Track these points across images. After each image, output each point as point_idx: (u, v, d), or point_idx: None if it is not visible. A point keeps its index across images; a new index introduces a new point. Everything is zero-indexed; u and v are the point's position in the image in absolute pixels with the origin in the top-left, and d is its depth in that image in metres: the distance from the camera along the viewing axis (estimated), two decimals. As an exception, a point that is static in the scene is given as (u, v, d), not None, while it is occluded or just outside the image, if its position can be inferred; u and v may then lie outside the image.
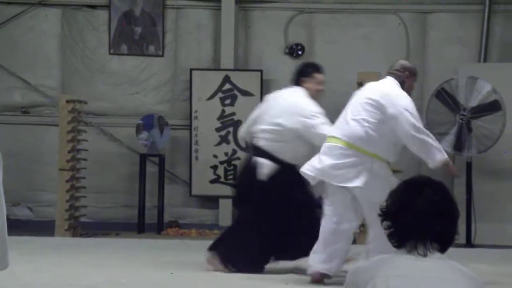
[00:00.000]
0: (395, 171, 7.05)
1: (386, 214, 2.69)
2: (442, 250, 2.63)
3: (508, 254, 8.79)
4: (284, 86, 11.09)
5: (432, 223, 2.60)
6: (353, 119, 6.44)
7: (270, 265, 7.02)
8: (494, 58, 10.89)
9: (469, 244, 9.51)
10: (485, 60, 10.84)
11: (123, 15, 11.21)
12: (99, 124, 11.21)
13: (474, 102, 9.62)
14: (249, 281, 6.73)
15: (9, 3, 11.29)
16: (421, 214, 2.60)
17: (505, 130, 9.53)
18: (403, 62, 6.84)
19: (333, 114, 10.94)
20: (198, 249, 8.72)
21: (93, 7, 11.31)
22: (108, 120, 11.24)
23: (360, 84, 9.84)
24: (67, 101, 10.27)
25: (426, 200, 2.62)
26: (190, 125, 11.01)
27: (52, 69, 11.30)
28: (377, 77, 9.89)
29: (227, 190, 10.95)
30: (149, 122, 10.84)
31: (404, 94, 6.48)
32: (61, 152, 10.14)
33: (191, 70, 11.04)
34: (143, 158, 10.77)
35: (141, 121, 10.86)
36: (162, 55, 11.29)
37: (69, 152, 10.13)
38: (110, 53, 11.28)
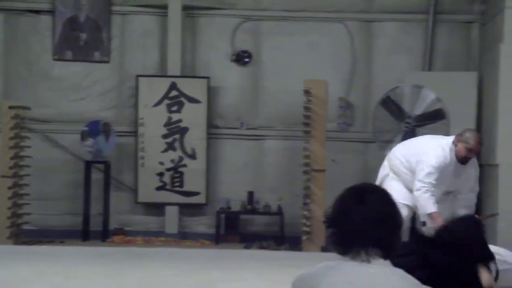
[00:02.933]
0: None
1: (330, 221, 2.69)
2: (385, 256, 2.64)
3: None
4: (231, 93, 11.16)
5: (374, 230, 2.61)
6: None
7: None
8: (438, 67, 11.05)
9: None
10: (429, 69, 10.99)
11: (67, 20, 11.07)
12: (43, 131, 11.05)
13: (418, 110, 9.71)
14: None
15: (-50, 7, 11.08)
16: (363, 221, 2.61)
17: (449, 138, 9.64)
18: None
19: (279, 121, 11.04)
20: (144, 257, 8.67)
21: (36, 12, 11.15)
22: (52, 127, 11.09)
23: (307, 92, 9.90)
24: (10, 107, 10.11)
25: (367, 208, 2.62)
26: (136, 132, 10.92)
27: (-5, 74, 11.11)
28: (324, 84, 9.98)
29: (173, 197, 10.90)
30: (94, 129, 10.72)
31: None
32: (3, 158, 9.97)
33: (137, 76, 10.96)
34: (88, 165, 10.65)
35: (86, 128, 10.74)
36: (108, 61, 11.18)
37: (11, 158, 9.97)
38: (54, 59, 11.14)
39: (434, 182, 6.94)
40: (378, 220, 2.61)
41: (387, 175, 7.39)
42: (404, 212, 7.12)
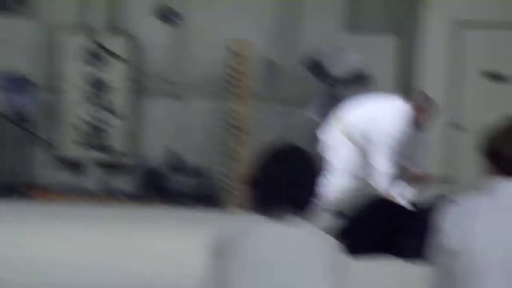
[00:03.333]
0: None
1: (250, 180, 2.70)
2: (303, 216, 2.67)
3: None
4: (156, 51, 11.02)
5: (294, 190, 2.64)
6: None
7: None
8: (361, 30, 11.10)
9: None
10: (352, 32, 11.04)
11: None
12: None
13: (341, 73, 9.79)
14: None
15: None
16: (283, 181, 2.63)
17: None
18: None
19: (204, 80, 10.98)
20: (65, 215, 8.59)
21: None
22: (-30, 81, 10.79)
23: (232, 52, 9.87)
24: None
25: (287, 168, 2.65)
26: (57, 88, 10.73)
27: None
28: (249, 45, 9.96)
29: (96, 155, 10.78)
30: (13, 84, 10.49)
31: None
32: None
33: (57, 30, 10.73)
34: (7, 120, 10.44)
35: (4, 83, 10.50)
36: (27, 14, 10.89)
37: None
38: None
39: (394, 156, 6.97)
40: (298, 180, 2.64)
41: (340, 140, 7.34)
42: (350, 183, 7.15)
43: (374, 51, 10.32)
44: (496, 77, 9.92)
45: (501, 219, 2.61)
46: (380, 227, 6.36)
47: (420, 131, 7.12)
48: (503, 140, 2.66)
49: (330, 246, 2.68)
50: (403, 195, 6.99)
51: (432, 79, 9.70)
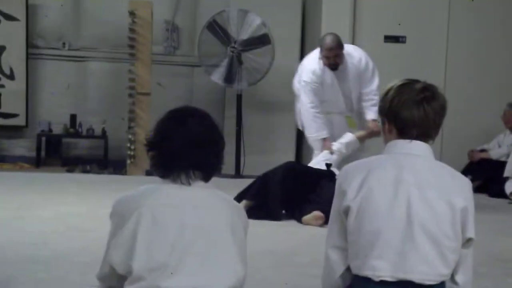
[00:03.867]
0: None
1: (151, 143, 2.68)
2: (206, 179, 2.66)
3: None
4: (52, 11, 10.67)
5: (195, 153, 2.61)
6: None
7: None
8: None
9: (238, 174, 9.74)
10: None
11: None
12: None
13: (244, 35, 9.75)
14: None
15: None
16: (183, 144, 2.61)
17: (273, 63, 9.78)
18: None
19: (103, 42, 10.73)
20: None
21: None
22: None
23: (132, 13, 9.66)
24: None
25: (189, 131, 2.63)
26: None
27: None
28: (149, 6, 9.77)
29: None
30: None
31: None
32: None
33: None
34: None
35: None
36: None
37: None
38: None
39: (314, 98, 6.96)
40: (199, 142, 2.63)
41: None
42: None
43: (280, 12, 10.30)
44: (395, 39, 10.08)
45: (394, 176, 2.63)
46: (286, 190, 6.37)
47: (340, 73, 7.09)
48: (398, 101, 2.69)
49: (232, 208, 2.68)
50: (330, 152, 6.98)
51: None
